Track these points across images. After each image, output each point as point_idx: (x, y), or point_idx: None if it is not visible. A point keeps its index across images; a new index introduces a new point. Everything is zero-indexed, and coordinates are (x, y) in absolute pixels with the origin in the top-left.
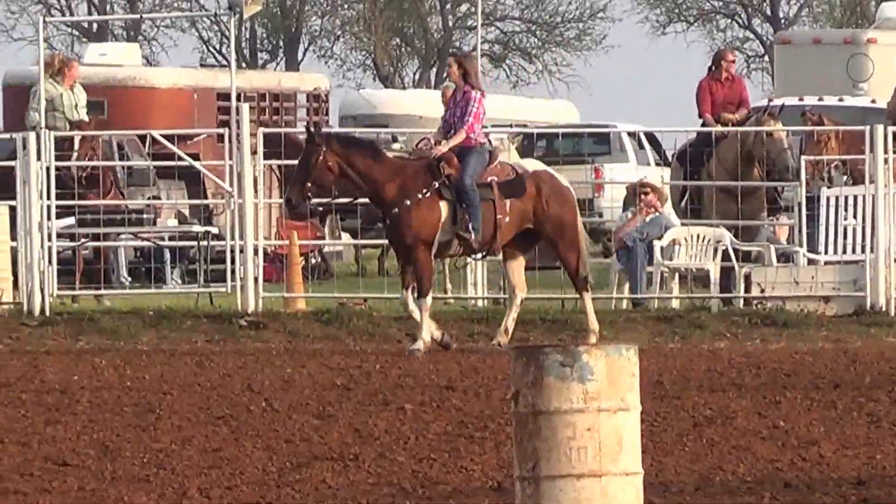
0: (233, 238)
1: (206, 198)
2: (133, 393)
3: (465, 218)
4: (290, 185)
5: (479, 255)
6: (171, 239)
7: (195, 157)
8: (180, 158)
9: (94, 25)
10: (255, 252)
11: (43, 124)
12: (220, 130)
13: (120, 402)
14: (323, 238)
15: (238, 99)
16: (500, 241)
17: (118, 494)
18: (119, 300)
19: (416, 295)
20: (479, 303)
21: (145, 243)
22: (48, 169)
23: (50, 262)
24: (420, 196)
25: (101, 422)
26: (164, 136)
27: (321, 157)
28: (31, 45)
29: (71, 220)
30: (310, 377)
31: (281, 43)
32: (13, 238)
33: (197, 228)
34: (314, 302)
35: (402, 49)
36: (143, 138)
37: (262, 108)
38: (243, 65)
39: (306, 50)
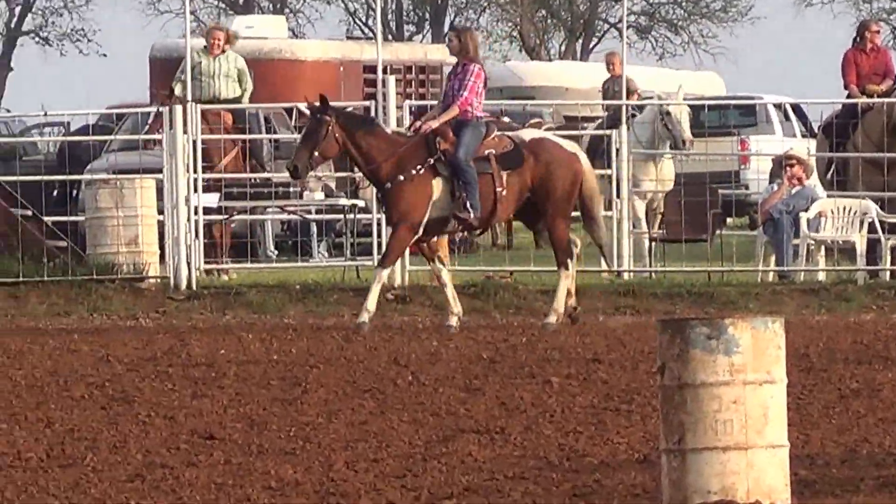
0: (379, 211)
1: (352, 171)
2: (279, 367)
3: (462, 196)
4: (296, 154)
5: (479, 232)
6: (317, 212)
7: None
8: None
9: None
10: None
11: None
12: (367, 103)
13: (266, 375)
14: None
15: (384, 71)
16: (500, 214)
17: (264, 468)
18: (266, 274)
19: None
20: (626, 276)
21: (292, 217)
22: (194, 142)
23: (196, 235)
24: (413, 172)
25: (247, 395)
26: None
27: (329, 129)
28: (177, 18)
29: (215, 197)
30: (456, 350)
31: (427, 15)
32: (160, 212)
33: (343, 202)
34: (460, 275)
35: (548, 20)
36: (289, 111)
37: (408, 81)
38: (389, 37)
39: (452, 21)
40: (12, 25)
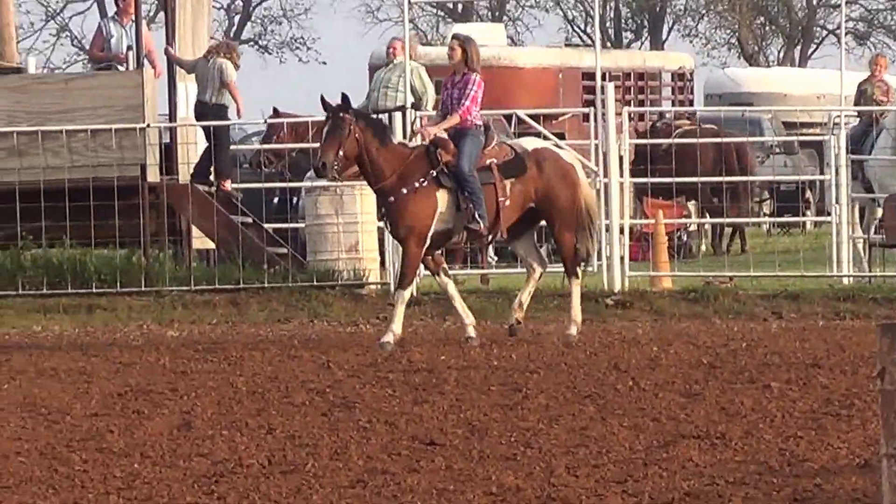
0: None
1: None
2: (500, 372)
3: (470, 207)
4: (324, 150)
5: (488, 242)
6: None
7: (560, 136)
8: (546, 138)
9: (459, 6)
10: (621, 231)
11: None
12: (586, 110)
13: (487, 381)
14: (688, 216)
15: (603, 78)
16: (503, 224)
17: (485, 473)
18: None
19: (396, 285)
20: (846, 280)
21: None
22: None
23: None
24: (416, 185)
25: (468, 401)
26: (530, 116)
27: (351, 129)
28: (396, 26)
29: None
30: (676, 356)
31: (645, 22)
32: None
33: None
34: (680, 280)
35: (767, 27)
36: (508, 118)
37: (627, 88)
38: (608, 44)
39: (670, 29)
40: (231, 34)
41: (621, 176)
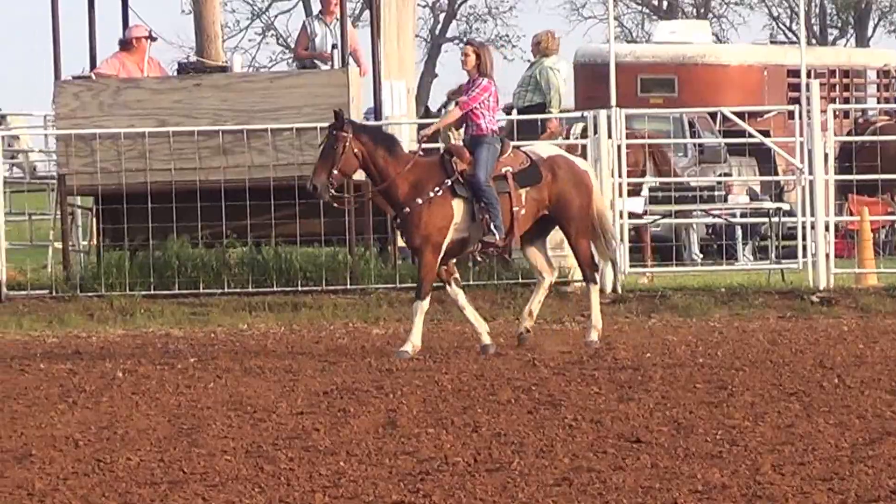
0: (804, 214)
1: (776, 174)
2: (705, 370)
3: (486, 218)
4: (315, 172)
5: (499, 252)
6: (742, 216)
7: (766, 133)
8: (751, 135)
9: (664, 2)
10: (827, 228)
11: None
12: (791, 107)
13: (692, 378)
14: (894, 214)
15: (808, 76)
16: (517, 233)
17: (691, 471)
18: (690, 277)
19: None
20: None
21: (717, 220)
22: (619, 147)
23: (622, 240)
24: (431, 195)
25: (673, 399)
26: (735, 113)
27: (347, 145)
28: (600, 24)
29: (640, 201)
30: (882, 353)
31: (850, 19)
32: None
33: (768, 205)
34: (885, 277)
35: None
36: (713, 115)
37: (832, 85)
38: (813, 41)
39: (876, 25)
40: (437, 32)
41: (826, 173)
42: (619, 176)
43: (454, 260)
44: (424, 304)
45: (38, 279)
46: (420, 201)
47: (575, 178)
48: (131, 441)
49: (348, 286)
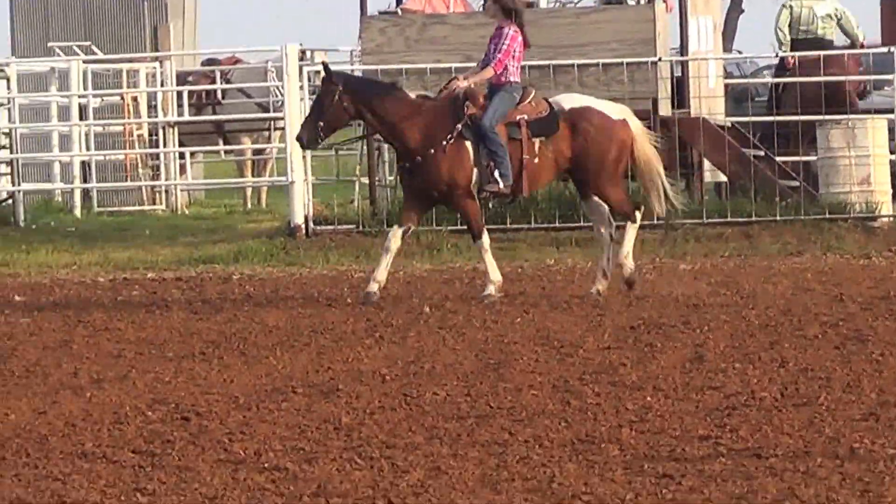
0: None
1: None
2: None
3: (490, 165)
4: (302, 124)
5: (509, 200)
6: None
7: None
8: None
9: None
10: None
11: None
12: None
13: None
14: None
15: None
16: (526, 183)
17: None
18: None
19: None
20: None
21: None
22: None
23: None
24: (444, 143)
25: None
26: None
27: (335, 98)
28: None
29: None
30: None
31: None
32: (892, 151)
33: None
34: None
35: None
36: None
37: None
38: None
39: None
40: None
41: None
42: None
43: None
44: (485, 242)
45: (344, 214)
46: (433, 151)
47: (599, 130)
48: (438, 376)
49: (655, 221)
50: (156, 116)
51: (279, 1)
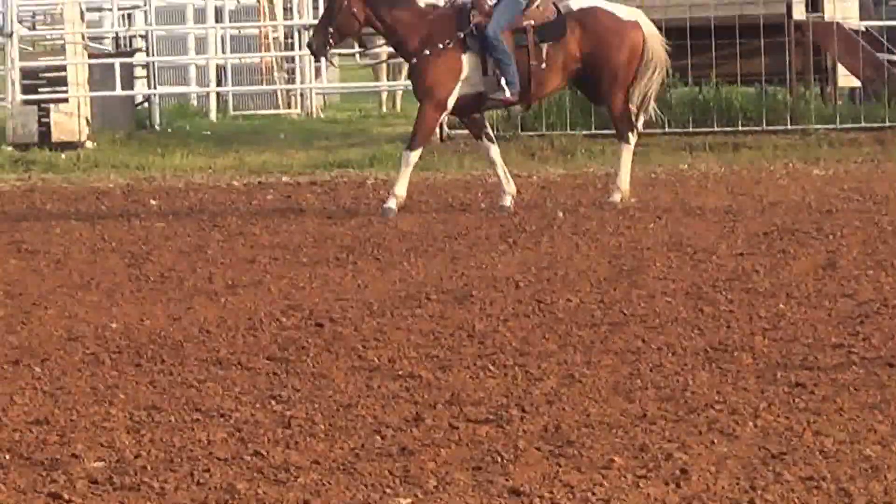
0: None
1: None
2: None
3: (496, 72)
4: (314, 32)
5: (524, 108)
6: None
7: None
8: None
9: None
10: None
11: None
12: None
13: None
14: None
15: None
16: (535, 90)
17: None
18: None
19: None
20: None
21: None
22: None
23: None
24: (440, 47)
25: None
26: None
27: (345, 4)
28: None
29: None
30: None
31: None
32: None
33: None
34: None
35: None
36: None
37: None
38: None
39: None
40: None
41: None
42: None
43: (479, 115)
44: (413, 156)
45: None
46: (427, 52)
47: (608, 29)
48: (571, 282)
49: (788, 126)
50: (291, 19)
51: None
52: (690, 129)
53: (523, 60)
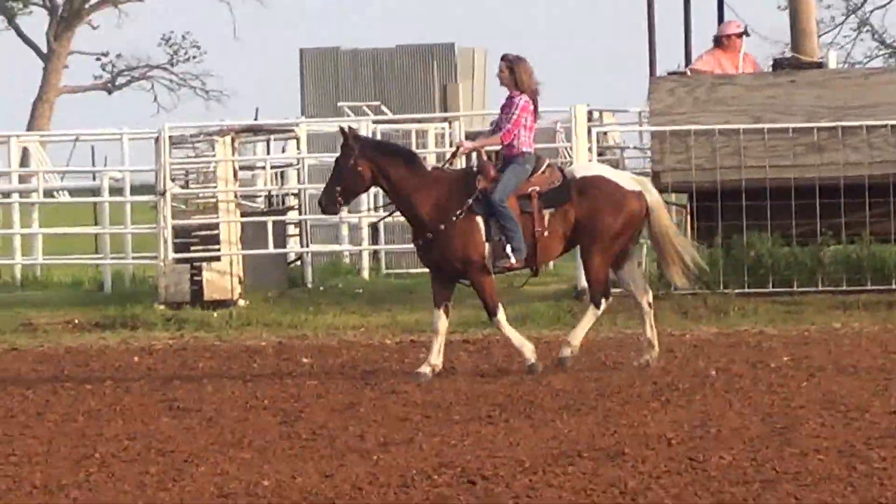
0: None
1: None
2: None
3: (501, 240)
4: (324, 189)
5: (532, 273)
6: None
7: None
8: None
9: None
10: None
11: None
12: None
13: None
14: None
15: None
16: (541, 256)
17: None
18: None
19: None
20: None
21: None
22: None
23: None
24: (454, 218)
25: None
26: None
27: (352, 162)
28: None
29: None
30: None
31: None
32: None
33: None
34: None
35: None
36: None
37: None
38: None
39: None
40: None
41: None
42: None
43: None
44: (501, 317)
45: None
46: (444, 227)
47: (607, 198)
48: (724, 440)
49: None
50: None
51: (568, 62)
52: (844, 288)
53: (528, 227)
